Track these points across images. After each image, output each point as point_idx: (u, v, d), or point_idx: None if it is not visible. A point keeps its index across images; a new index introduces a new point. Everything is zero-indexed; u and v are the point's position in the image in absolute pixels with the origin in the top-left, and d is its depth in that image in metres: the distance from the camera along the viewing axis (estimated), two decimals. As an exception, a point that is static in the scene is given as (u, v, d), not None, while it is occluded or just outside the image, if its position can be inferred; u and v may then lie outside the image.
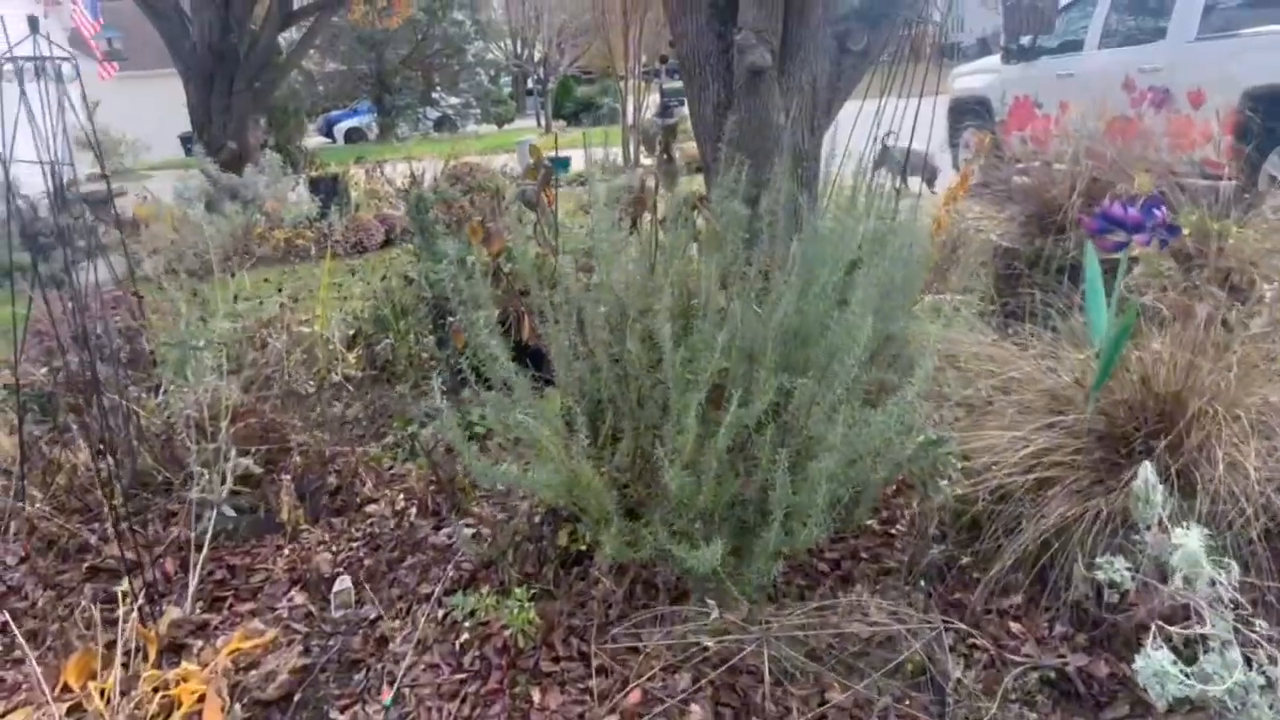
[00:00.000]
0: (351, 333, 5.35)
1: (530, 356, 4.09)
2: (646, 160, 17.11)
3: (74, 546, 3.17)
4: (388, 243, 9.87)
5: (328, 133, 30.23)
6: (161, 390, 3.17)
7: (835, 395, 2.26)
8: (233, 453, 3.07)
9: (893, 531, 2.99)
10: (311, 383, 4.40)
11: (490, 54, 31.88)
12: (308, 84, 26.94)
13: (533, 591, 2.65)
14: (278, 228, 9.78)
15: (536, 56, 31.40)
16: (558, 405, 2.79)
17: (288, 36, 13.03)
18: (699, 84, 4.50)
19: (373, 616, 2.84)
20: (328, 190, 10.77)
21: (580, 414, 2.64)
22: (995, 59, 10.80)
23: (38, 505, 3.26)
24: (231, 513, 3.04)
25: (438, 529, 3.25)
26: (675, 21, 4.42)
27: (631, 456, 2.59)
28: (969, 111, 10.53)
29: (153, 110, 23.63)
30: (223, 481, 3.10)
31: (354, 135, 29.68)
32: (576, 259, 3.81)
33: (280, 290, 5.50)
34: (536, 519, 2.76)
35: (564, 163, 16.15)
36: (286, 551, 3.18)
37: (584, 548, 2.72)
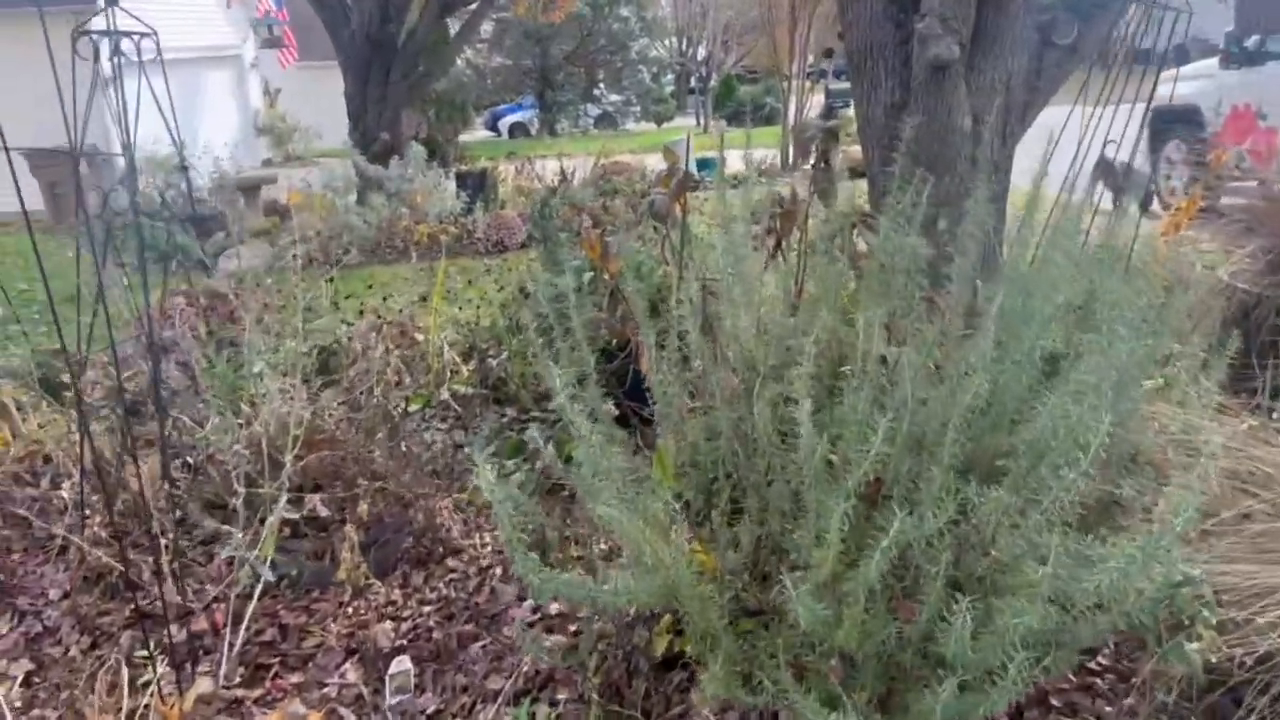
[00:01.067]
0: (468, 345, 4.96)
1: (647, 392, 3.58)
2: (806, 165, 16.32)
3: (124, 582, 2.83)
4: (529, 242, 9.56)
5: (493, 127, 30.66)
6: (212, 416, 2.79)
7: (1042, 514, 1.61)
8: (283, 499, 2.64)
9: (1094, 666, 2.28)
10: (406, 401, 4.00)
11: (654, 51, 31.58)
12: (476, 78, 27.34)
13: (615, 709, 2.11)
14: (422, 222, 9.61)
15: (700, 54, 30.92)
16: (662, 472, 2.23)
17: (453, 27, 12.96)
18: (869, 80, 3.84)
19: (431, 710, 2.36)
20: (475, 185, 10.57)
21: (688, 490, 2.08)
22: (1207, 63, 9.54)
23: (95, 529, 2.95)
24: (270, 576, 2.61)
25: (523, 598, 2.75)
26: (845, 8, 3.77)
27: (752, 556, 2.01)
28: (1176, 121, 9.33)
29: (327, 98, 24.49)
30: (260, 536, 2.69)
31: (518, 130, 29.97)
32: (704, 283, 3.24)
33: (368, 286, 5.13)
34: (627, 620, 2.21)
35: (711, 164, 15.59)
36: (350, 611, 2.74)
37: (684, 660, 2.16)
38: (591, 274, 3.90)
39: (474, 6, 12.10)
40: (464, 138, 20.65)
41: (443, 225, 9.68)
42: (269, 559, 2.59)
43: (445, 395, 4.38)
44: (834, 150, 3.17)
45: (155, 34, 3.15)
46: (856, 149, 4.27)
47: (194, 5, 19.65)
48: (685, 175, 3.32)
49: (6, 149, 2.35)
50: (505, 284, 7.76)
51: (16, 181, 2.91)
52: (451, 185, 10.75)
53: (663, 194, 3.22)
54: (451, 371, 4.68)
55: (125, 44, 3.05)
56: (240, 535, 2.51)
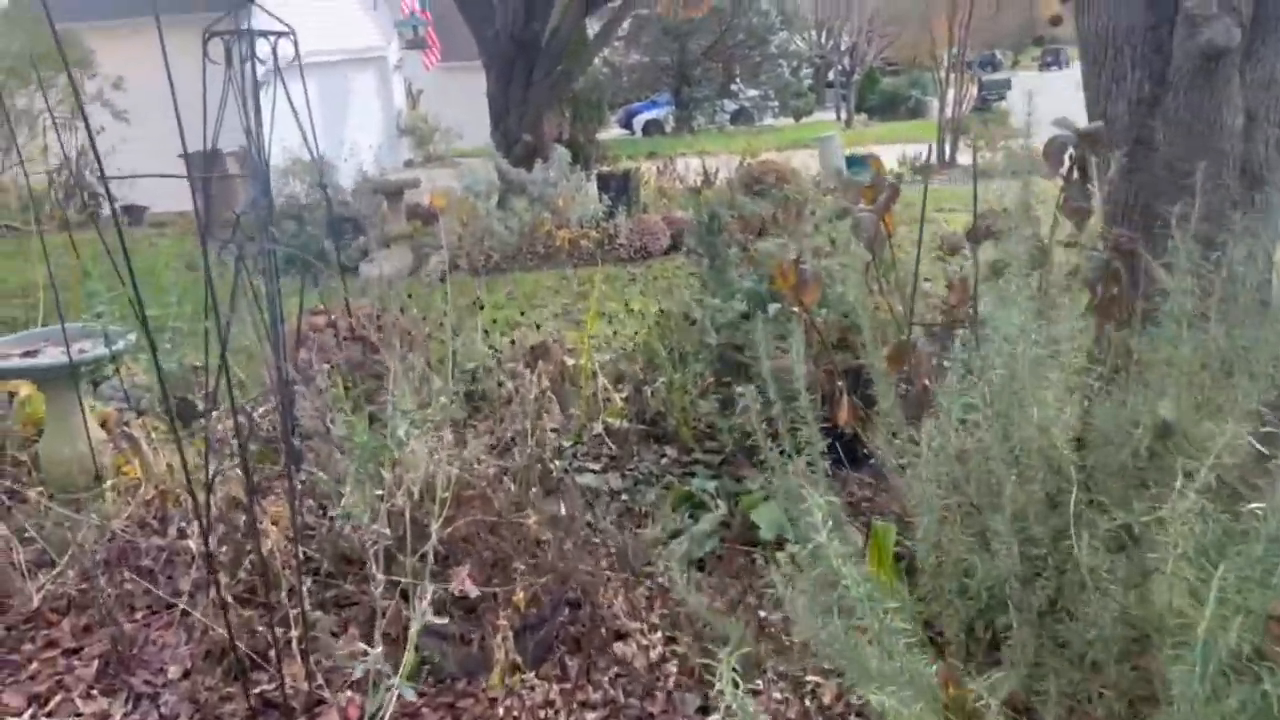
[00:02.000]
0: (620, 370, 4.53)
1: (845, 446, 3.05)
2: (963, 159, 15.33)
3: (243, 662, 2.50)
4: (673, 248, 9.10)
5: (627, 124, 30.44)
6: (348, 486, 2.41)
7: None
8: (427, 600, 2.21)
9: None
10: (558, 436, 3.57)
11: (793, 45, 30.73)
12: (612, 75, 27.17)
13: None
14: (564, 226, 9.30)
15: (842, 47, 29.90)
16: (879, 563, 1.72)
17: (592, 26, 12.66)
18: (1112, 70, 3.22)
19: None
20: (618, 188, 10.20)
21: (947, 618, 1.56)
22: None
23: (222, 591, 2.63)
24: (411, 695, 2.21)
25: (707, 710, 2.27)
26: (1081, -14, 3.16)
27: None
28: None
29: (468, 98, 24.75)
30: (399, 613, 2.28)
31: (652, 127, 29.65)
32: (931, 332, 2.70)
33: (509, 296, 4.73)
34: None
35: (862, 163, 14.80)
36: (500, 712, 2.32)
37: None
38: (774, 302, 3.39)
39: (616, 5, 11.75)
40: (599, 136, 20.41)
41: (585, 230, 9.34)
42: (408, 667, 2.19)
43: (598, 428, 3.96)
44: (1088, 161, 2.56)
45: (293, 33, 2.81)
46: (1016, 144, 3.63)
47: (339, 8, 20.08)
48: (893, 189, 2.77)
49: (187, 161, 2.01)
50: (652, 293, 7.36)
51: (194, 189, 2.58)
52: (593, 188, 10.41)
53: (868, 212, 2.69)
54: (604, 399, 4.26)
55: (262, 47, 2.73)
56: (377, 651, 2.11)
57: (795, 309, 2.77)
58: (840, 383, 2.71)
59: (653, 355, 4.28)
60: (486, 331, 4.43)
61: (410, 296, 5.18)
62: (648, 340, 4.27)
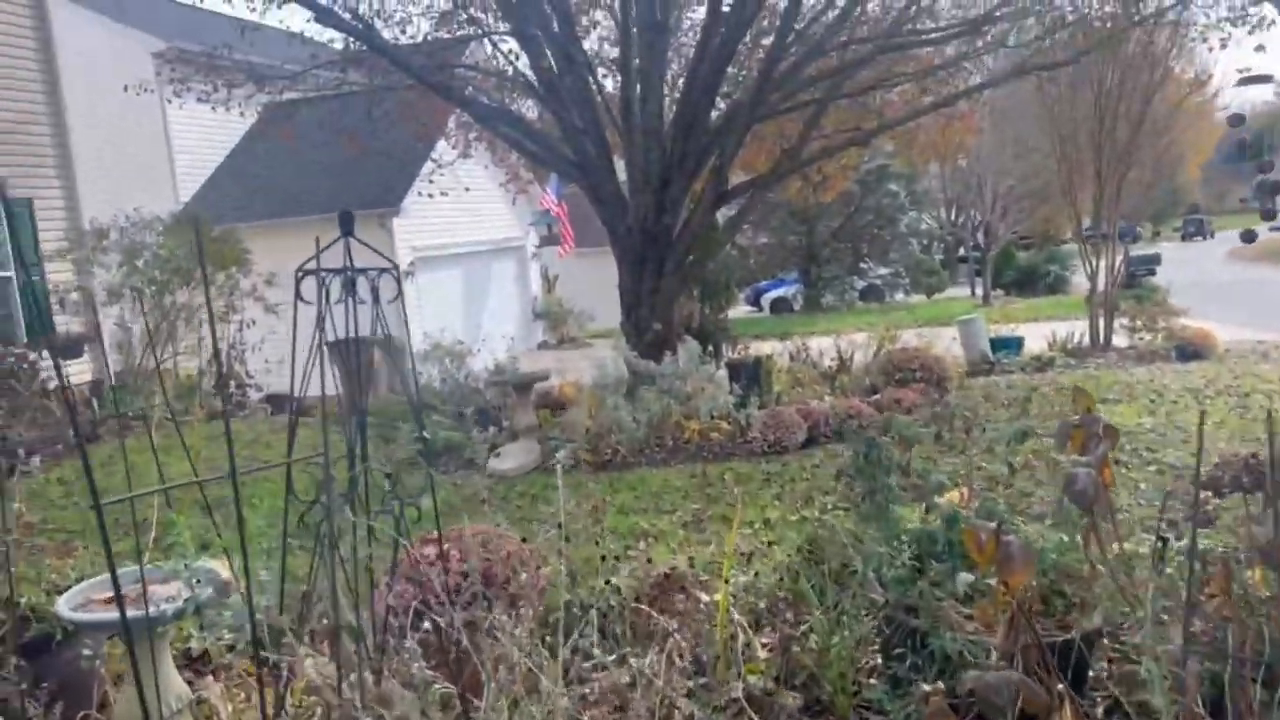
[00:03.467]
0: (759, 607, 3.95)
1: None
2: (1117, 339, 14.36)
3: None
4: (810, 441, 8.55)
5: (755, 302, 30.58)
6: None
7: None
8: None
9: None
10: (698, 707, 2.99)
11: (923, 224, 30.61)
12: (740, 257, 27.49)
13: None
14: (693, 417, 8.91)
15: (975, 223, 29.58)
16: None
17: (723, 212, 12.70)
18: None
19: None
20: (749, 376, 9.82)
21: None
22: None
23: None
24: None
25: None
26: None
27: None
28: None
29: (599, 281, 25.39)
30: None
31: (780, 305, 29.67)
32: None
33: (635, 495, 4.24)
34: None
35: (1011, 344, 14.05)
36: None
37: None
38: (948, 550, 2.81)
39: (746, 196, 11.76)
40: (728, 314, 20.37)
41: (715, 422, 8.93)
42: None
43: (737, 691, 3.36)
44: None
45: (396, 269, 2.56)
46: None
47: (483, 203, 21.13)
48: (1111, 433, 2.22)
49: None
50: (789, 499, 6.78)
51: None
52: (723, 375, 10.07)
53: (1082, 466, 2.14)
54: (744, 645, 3.67)
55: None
56: None
57: (995, 584, 2.20)
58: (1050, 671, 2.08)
59: (799, 595, 3.70)
60: (604, 557, 3.95)
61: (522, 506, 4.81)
62: (794, 579, 3.69)
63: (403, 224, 18.11)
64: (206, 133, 19.21)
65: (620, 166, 10.93)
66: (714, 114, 11.04)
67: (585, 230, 23.27)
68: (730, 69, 10.87)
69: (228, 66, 13.63)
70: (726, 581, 3.53)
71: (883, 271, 29.59)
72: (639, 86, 10.16)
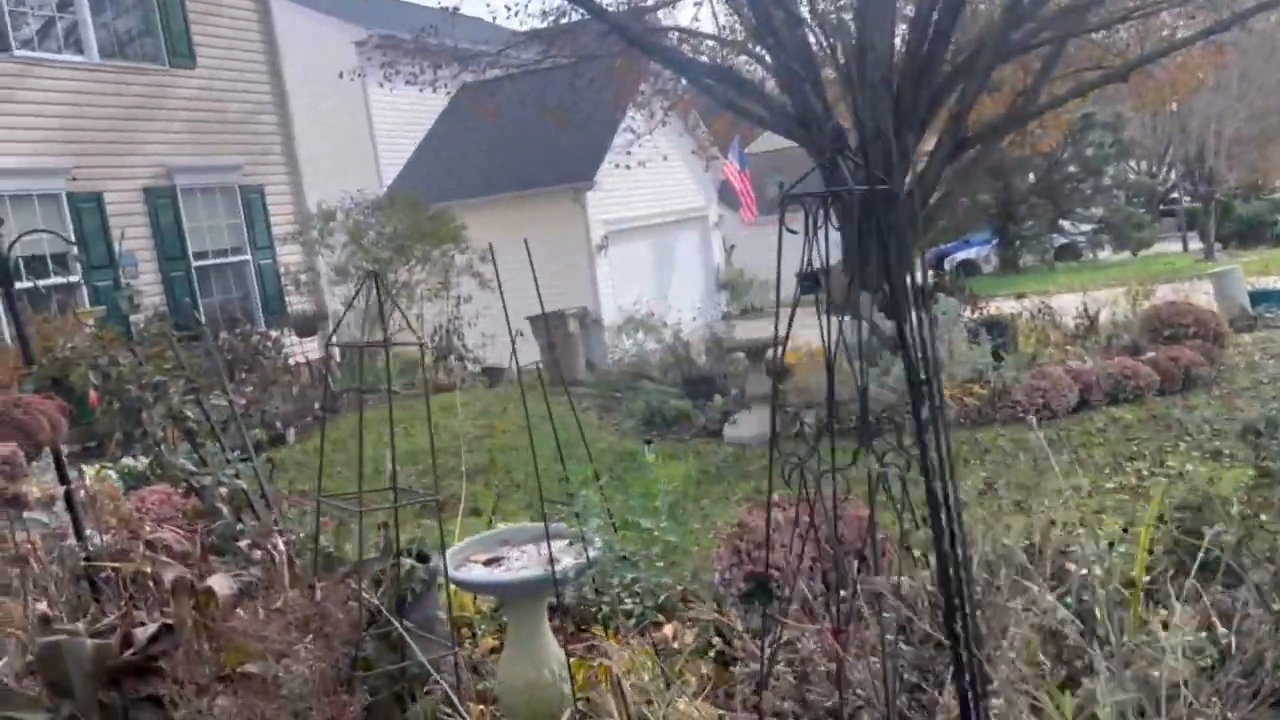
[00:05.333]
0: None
1: None
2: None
3: None
4: (1082, 404, 7.87)
5: (937, 266, 29.19)
6: None
7: None
8: None
9: None
10: None
11: (1130, 175, 28.40)
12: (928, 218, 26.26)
13: None
14: (947, 381, 8.38)
15: (1188, 172, 27.20)
16: None
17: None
18: None
19: None
20: (998, 336, 9.18)
21: None
22: None
23: None
24: None
25: None
26: None
27: None
28: None
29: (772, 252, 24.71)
30: None
31: (967, 268, 28.23)
32: None
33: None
34: None
35: (1274, 296, 12.70)
36: None
37: None
38: None
39: (974, 150, 11.00)
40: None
41: (967, 385, 8.37)
42: None
43: None
44: None
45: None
46: None
47: (670, 174, 21.00)
48: None
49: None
50: (1091, 466, 6.18)
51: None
52: (965, 335, 9.45)
53: None
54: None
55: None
56: None
57: None
58: None
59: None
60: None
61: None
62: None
63: (595, 198, 18.15)
64: (402, 116, 19.84)
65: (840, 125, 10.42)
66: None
67: (765, 198, 22.79)
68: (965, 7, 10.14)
69: (434, 49, 13.89)
70: (1150, 551, 3.10)
71: (1084, 228, 27.67)
72: (867, 32, 9.61)
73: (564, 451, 4.93)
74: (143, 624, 2.96)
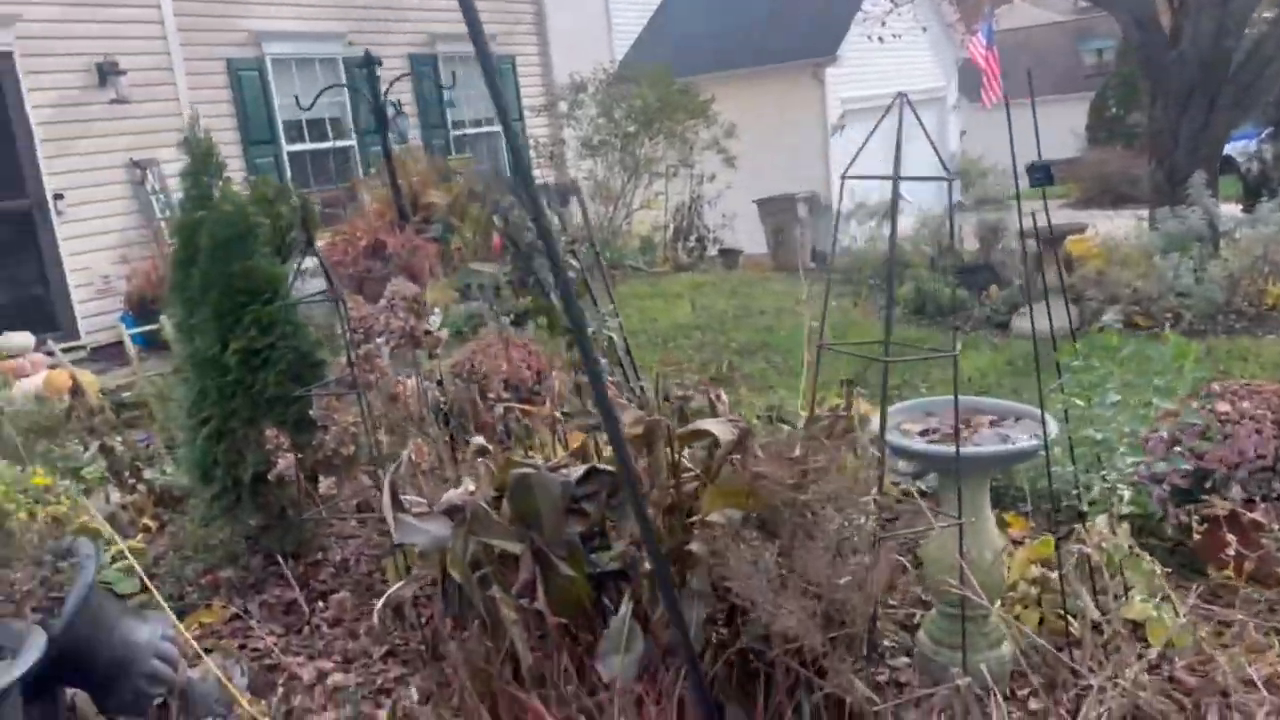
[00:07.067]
0: None
1: None
2: None
3: None
4: None
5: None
6: None
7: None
8: None
9: None
10: None
11: None
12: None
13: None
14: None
15: None
16: None
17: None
18: None
19: None
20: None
21: None
22: None
23: None
24: None
25: None
26: None
27: None
28: None
29: (1018, 137, 22.90)
30: None
31: (1227, 168, 25.27)
32: None
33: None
34: None
35: None
36: None
37: None
38: None
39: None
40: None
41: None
42: None
43: None
44: None
45: None
46: None
47: (909, 51, 19.72)
48: None
49: None
50: None
51: None
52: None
53: None
54: None
55: None
56: None
57: None
58: None
59: None
60: None
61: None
62: None
63: (834, 74, 17.25)
64: (633, -11, 19.38)
65: None
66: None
67: (1008, 81, 21.00)
68: None
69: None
70: None
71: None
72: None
73: (834, 335, 4.62)
74: (567, 465, 2.96)
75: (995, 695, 2.14)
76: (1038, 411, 2.85)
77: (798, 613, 1.76)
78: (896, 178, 2.40)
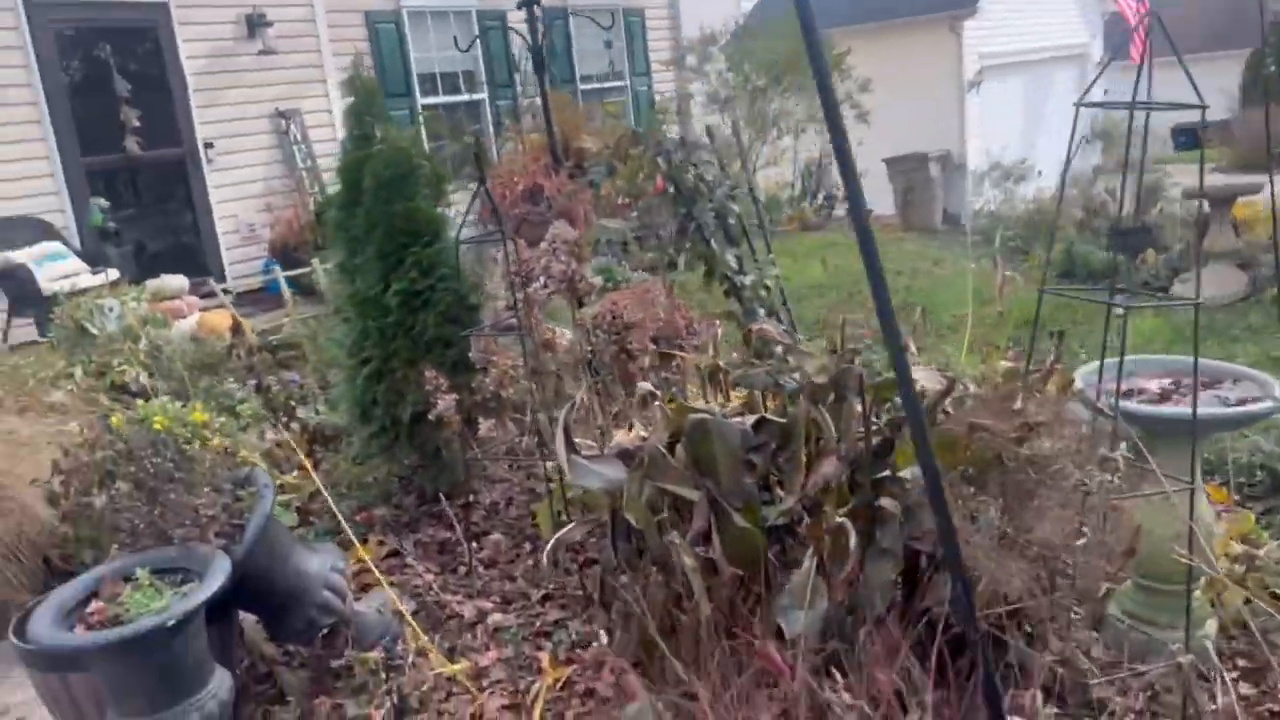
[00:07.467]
0: None
1: None
2: None
3: None
4: None
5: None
6: None
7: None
8: None
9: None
10: None
11: None
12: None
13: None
14: None
15: None
16: None
17: None
18: None
19: None
20: None
21: None
22: None
23: None
24: None
25: None
26: None
27: None
28: None
29: (1168, 97, 21.42)
30: None
31: None
32: None
33: None
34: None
35: None
36: None
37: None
38: None
39: None
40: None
41: None
42: None
43: None
44: None
45: None
46: None
47: (1050, 1, 18.70)
48: None
49: None
50: None
51: None
52: None
53: None
54: None
55: None
56: None
57: None
58: None
59: None
60: None
61: None
62: None
63: (973, 27, 16.43)
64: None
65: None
66: None
67: (1184, 34, 19.65)
68: None
69: None
70: None
71: None
72: None
73: (982, 297, 4.32)
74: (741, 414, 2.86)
75: (1222, 675, 1.96)
76: (1257, 373, 2.60)
77: (1020, 576, 1.62)
78: (1134, 105, 2.18)
